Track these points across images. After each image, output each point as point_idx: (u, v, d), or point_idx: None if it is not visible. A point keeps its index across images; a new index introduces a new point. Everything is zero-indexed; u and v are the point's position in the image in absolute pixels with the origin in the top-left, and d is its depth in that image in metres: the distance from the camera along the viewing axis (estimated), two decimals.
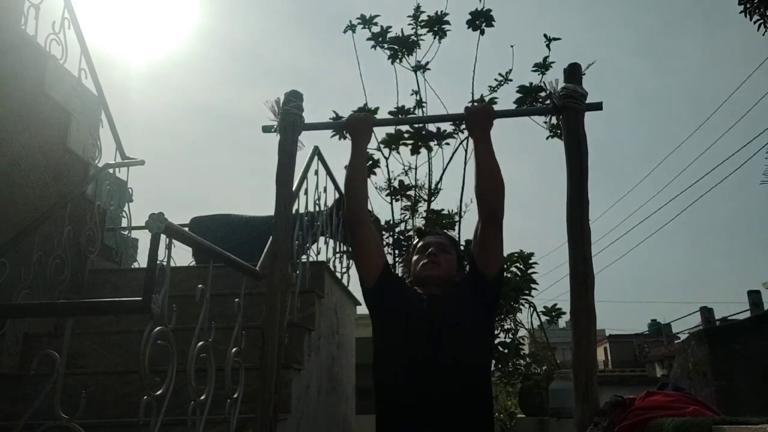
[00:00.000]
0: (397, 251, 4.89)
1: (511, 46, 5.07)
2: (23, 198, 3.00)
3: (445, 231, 2.33)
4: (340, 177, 4.12)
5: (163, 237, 1.71)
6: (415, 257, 1.99)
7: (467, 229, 5.00)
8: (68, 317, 1.68)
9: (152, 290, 1.60)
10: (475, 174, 1.89)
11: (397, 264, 4.62)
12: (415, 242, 2.11)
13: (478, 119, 1.91)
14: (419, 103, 5.17)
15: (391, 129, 5.07)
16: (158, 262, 1.65)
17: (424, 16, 5.18)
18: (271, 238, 2.15)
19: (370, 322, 1.99)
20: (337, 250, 4.18)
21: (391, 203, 5.19)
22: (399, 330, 1.84)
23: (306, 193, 3.35)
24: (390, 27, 5.24)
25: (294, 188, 2.60)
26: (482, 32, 5.05)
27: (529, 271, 4.87)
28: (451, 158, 5.07)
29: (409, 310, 1.86)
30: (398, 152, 5.16)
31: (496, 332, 4.89)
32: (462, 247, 2.15)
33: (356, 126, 2.01)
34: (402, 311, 1.87)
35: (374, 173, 5.09)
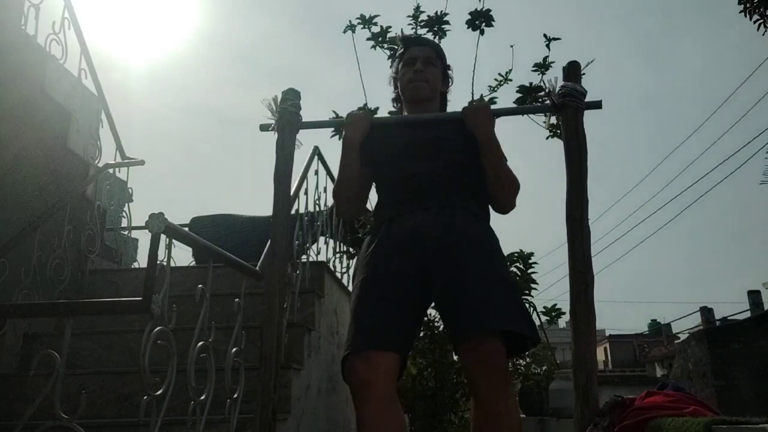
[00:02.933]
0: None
1: (511, 46, 5.06)
2: (23, 198, 3.00)
3: (431, 40, 2.24)
4: None
5: (163, 237, 1.71)
6: (402, 70, 1.95)
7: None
8: (68, 317, 1.68)
9: (152, 290, 1.61)
10: (486, 177, 1.80)
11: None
12: (400, 51, 2.03)
13: (477, 119, 1.84)
14: None
15: None
16: (158, 262, 1.65)
17: (423, 16, 5.18)
18: (270, 238, 2.15)
19: None
20: (337, 250, 4.18)
21: None
22: (390, 141, 1.85)
23: (306, 193, 3.35)
24: (390, 27, 5.23)
25: (294, 188, 2.60)
26: (482, 32, 5.05)
27: (529, 271, 4.86)
28: None
29: (398, 128, 1.88)
30: None
31: None
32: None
33: (354, 123, 1.97)
34: (388, 140, 1.87)
35: None
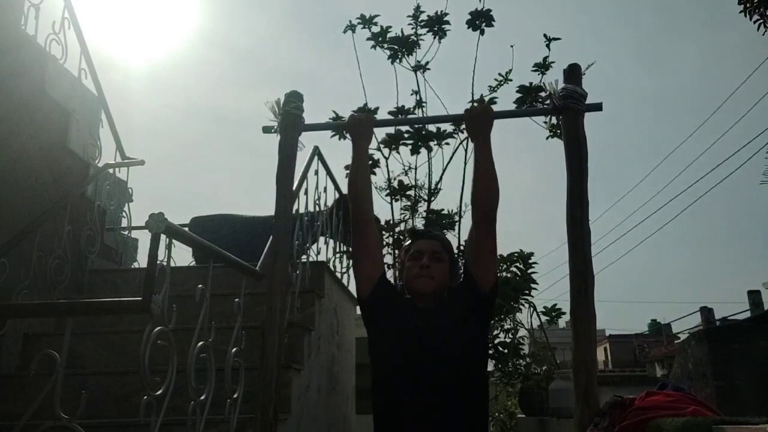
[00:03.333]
0: (396, 251, 4.89)
1: (511, 46, 5.07)
2: (23, 198, 2.99)
3: (439, 233, 2.23)
4: (340, 177, 4.12)
5: (163, 237, 1.71)
6: (408, 263, 1.93)
7: (467, 229, 4.99)
8: (68, 317, 1.68)
9: (152, 290, 1.60)
10: (474, 177, 1.89)
11: (396, 264, 4.63)
12: (407, 244, 2.03)
13: (479, 122, 1.91)
14: (419, 103, 5.17)
15: (391, 129, 5.08)
16: (158, 262, 1.65)
17: (424, 16, 5.18)
18: (271, 238, 2.15)
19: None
20: (337, 250, 4.18)
21: (391, 203, 5.20)
22: (392, 346, 1.83)
23: (306, 193, 3.35)
24: (390, 27, 5.24)
25: (294, 188, 2.60)
26: (482, 32, 5.05)
27: (529, 271, 4.87)
28: (450, 158, 5.08)
29: (401, 325, 1.84)
30: (398, 152, 5.16)
31: (496, 332, 4.89)
32: (457, 253, 2.10)
33: (357, 127, 2.00)
34: (395, 325, 1.85)
35: (374, 173, 5.09)
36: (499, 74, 5.04)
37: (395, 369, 1.79)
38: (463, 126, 2.08)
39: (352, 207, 1.97)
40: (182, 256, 4.95)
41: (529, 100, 4.63)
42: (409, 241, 2.04)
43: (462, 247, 4.39)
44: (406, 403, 1.73)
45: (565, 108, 1.85)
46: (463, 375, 1.76)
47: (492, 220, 1.85)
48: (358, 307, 4.62)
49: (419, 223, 5.08)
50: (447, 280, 1.92)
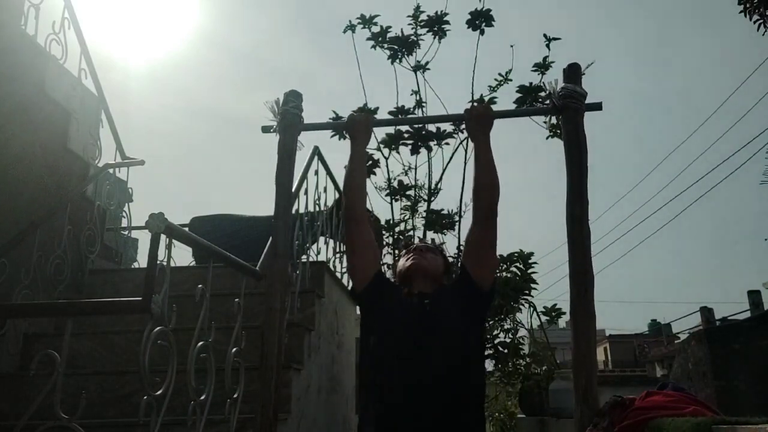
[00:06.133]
0: (396, 251, 4.89)
1: (511, 46, 5.08)
2: (23, 198, 2.99)
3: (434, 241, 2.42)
4: (340, 177, 4.11)
5: (163, 237, 1.71)
6: (402, 260, 2.03)
7: (467, 229, 5.00)
8: (68, 317, 1.68)
9: (152, 290, 1.61)
10: (475, 171, 1.92)
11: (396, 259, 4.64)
12: (402, 252, 2.17)
13: (479, 122, 1.92)
14: (419, 103, 5.18)
15: (391, 129, 5.08)
16: (158, 262, 1.65)
17: (423, 16, 5.19)
18: (271, 238, 2.15)
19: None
20: (337, 250, 4.18)
21: (391, 203, 5.21)
22: (387, 334, 1.84)
23: (306, 193, 3.35)
24: (390, 27, 5.24)
25: (294, 188, 2.60)
26: (482, 32, 5.06)
27: (529, 271, 4.87)
28: (450, 158, 5.09)
29: (397, 315, 1.85)
30: (398, 152, 5.17)
31: (496, 332, 4.89)
32: (456, 253, 2.22)
33: (356, 126, 2.00)
34: (390, 315, 1.86)
35: (374, 173, 5.10)
36: (499, 74, 5.05)
37: (389, 369, 1.79)
38: (463, 126, 2.09)
39: (346, 206, 2.00)
40: (182, 256, 4.96)
41: (528, 100, 4.63)
42: (405, 249, 2.14)
43: (462, 248, 4.39)
44: (399, 404, 1.73)
45: (564, 107, 1.85)
46: (458, 377, 1.76)
47: (495, 213, 1.88)
48: (358, 308, 4.64)
49: (419, 223, 5.09)
50: (440, 271, 2.00)
